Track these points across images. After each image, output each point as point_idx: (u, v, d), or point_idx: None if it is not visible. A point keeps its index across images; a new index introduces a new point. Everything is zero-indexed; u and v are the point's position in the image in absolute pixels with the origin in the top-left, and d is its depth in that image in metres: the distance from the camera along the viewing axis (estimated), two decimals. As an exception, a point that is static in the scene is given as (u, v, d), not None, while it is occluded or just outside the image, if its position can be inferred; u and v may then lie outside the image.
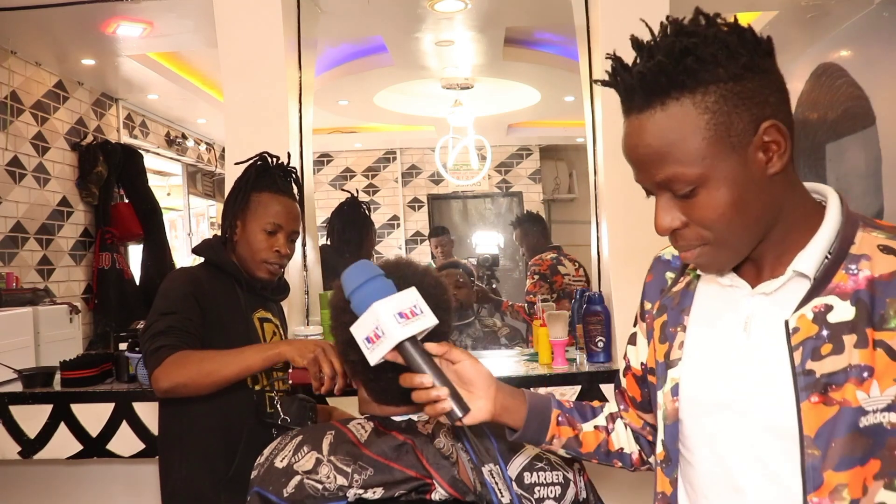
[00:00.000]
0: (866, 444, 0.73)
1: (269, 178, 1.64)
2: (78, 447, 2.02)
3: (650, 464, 1.05)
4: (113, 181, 4.29)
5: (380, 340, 0.84)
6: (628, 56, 0.81)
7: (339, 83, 4.52)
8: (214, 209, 6.58)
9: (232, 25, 2.34)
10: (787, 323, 0.78)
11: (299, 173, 2.37)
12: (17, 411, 2.03)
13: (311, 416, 1.49)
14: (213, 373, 1.39)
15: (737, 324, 0.83)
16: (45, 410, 2.02)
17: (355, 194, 3.26)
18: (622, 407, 1.07)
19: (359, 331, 0.87)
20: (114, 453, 2.04)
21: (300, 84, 2.48)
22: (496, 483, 1.07)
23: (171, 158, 5.66)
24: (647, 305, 0.98)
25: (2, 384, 2.19)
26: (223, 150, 5.74)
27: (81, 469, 2.21)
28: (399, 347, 0.85)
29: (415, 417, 1.12)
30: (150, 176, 4.72)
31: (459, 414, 0.85)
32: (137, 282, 4.40)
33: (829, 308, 0.76)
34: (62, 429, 2.01)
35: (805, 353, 0.76)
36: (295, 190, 1.71)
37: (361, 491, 1.04)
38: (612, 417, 1.07)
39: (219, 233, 1.70)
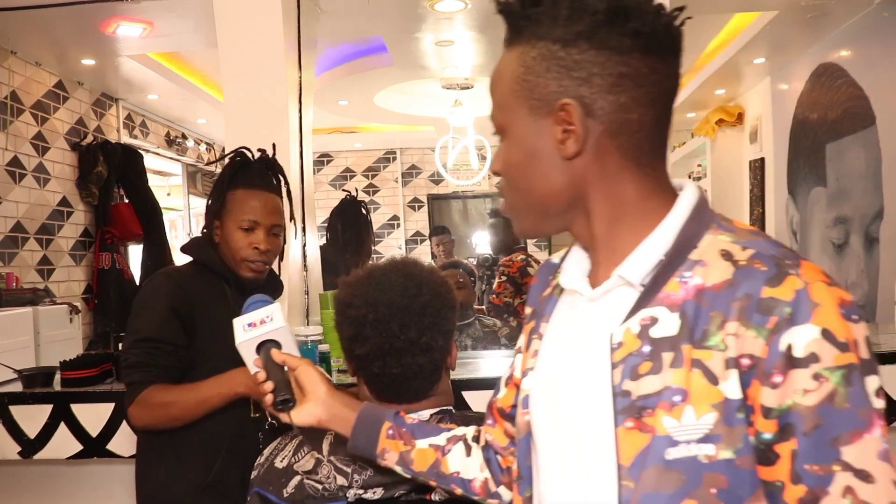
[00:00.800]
0: (676, 480, 0.62)
1: (244, 174, 1.58)
2: (78, 447, 2.02)
3: (499, 496, 0.95)
4: (113, 181, 4.29)
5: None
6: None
7: (339, 83, 4.52)
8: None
9: (232, 25, 2.34)
10: (611, 336, 0.68)
11: (300, 174, 2.37)
12: (17, 411, 2.03)
13: None
14: (179, 419, 1.43)
15: (574, 334, 0.74)
16: (45, 410, 2.02)
17: (354, 194, 3.27)
18: (490, 422, 0.95)
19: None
20: (114, 453, 2.03)
21: (300, 84, 2.47)
22: (496, 483, 1.07)
23: (171, 158, 5.66)
24: (528, 310, 0.89)
25: (2, 384, 2.19)
26: (223, 150, 5.74)
27: (81, 469, 2.21)
28: (254, 348, 1.03)
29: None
30: (150, 176, 4.73)
31: (280, 410, 0.97)
32: (137, 282, 4.40)
33: (654, 321, 0.66)
34: (62, 429, 2.01)
35: (624, 371, 0.66)
36: (278, 182, 1.65)
37: (361, 491, 1.04)
38: (454, 439, 0.98)
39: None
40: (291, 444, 1.12)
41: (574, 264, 0.78)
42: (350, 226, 3.23)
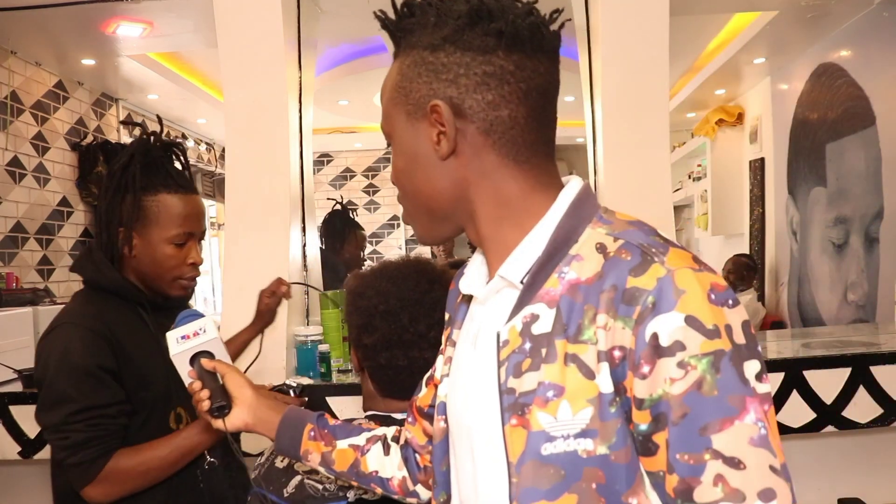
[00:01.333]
0: (554, 475, 0.62)
1: (158, 169, 1.31)
2: (78, 447, 2.02)
3: (417, 495, 0.97)
4: (113, 181, 4.29)
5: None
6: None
7: (339, 83, 4.52)
8: (214, 209, 6.58)
9: (232, 25, 2.34)
10: (498, 335, 0.69)
11: (300, 175, 2.36)
12: (17, 411, 2.03)
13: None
14: (161, 478, 1.24)
15: (472, 337, 0.75)
16: (45, 410, 2.02)
17: (340, 201, 3.42)
18: (409, 420, 0.97)
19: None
20: (114, 453, 2.03)
21: (300, 84, 2.47)
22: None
23: (171, 158, 5.65)
24: (446, 317, 0.89)
25: (2, 384, 2.19)
26: (223, 150, 5.74)
27: (81, 469, 2.21)
28: (188, 360, 1.07)
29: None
30: (150, 176, 4.71)
31: (215, 412, 1.00)
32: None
33: (535, 318, 0.66)
34: (62, 429, 2.01)
35: (508, 369, 0.67)
36: (191, 175, 1.39)
37: (362, 492, 1.04)
38: (374, 439, 0.99)
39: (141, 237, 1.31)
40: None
41: (475, 268, 0.78)
42: (335, 236, 3.36)
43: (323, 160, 7.33)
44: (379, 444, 0.99)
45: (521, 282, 0.69)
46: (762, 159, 4.93)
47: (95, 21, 3.20)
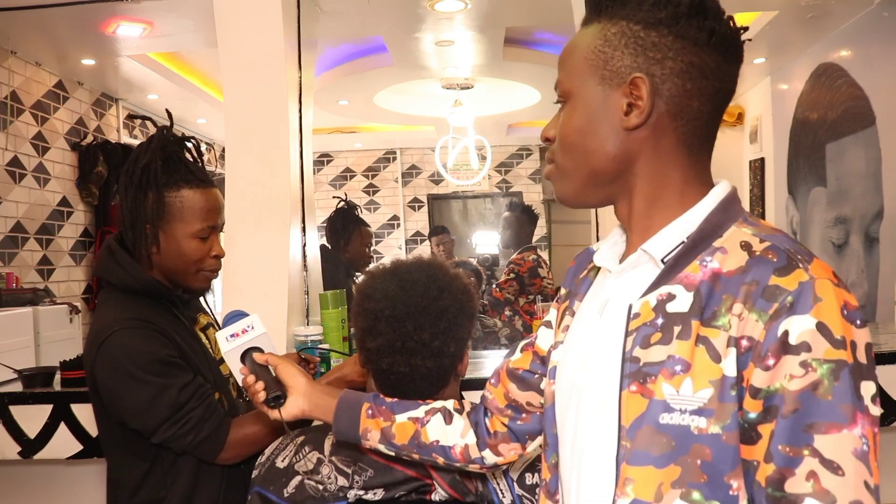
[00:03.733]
0: (665, 444, 0.66)
1: (177, 164, 1.33)
2: (78, 447, 2.02)
3: (481, 461, 0.99)
4: (113, 181, 4.29)
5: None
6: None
7: (339, 83, 4.52)
8: (214, 209, 6.58)
9: (232, 25, 2.34)
10: (630, 307, 0.73)
11: (300, 175, 2.36)
12: (17, 411, 2.03)
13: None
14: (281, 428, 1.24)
15: (599, 307, 0.79)
16: (45, 410, 2.02)
17: (345, 199, 3.40)
18: (493, 381, 1.00)
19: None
20: (114, 453, 2.04)
21: (300, 84, 2.47)
22: (497, 483, 1.07)
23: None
24: (562, 291, 0.94)
25: (2, 384, 2.19)
26: (223, 150, 5.74)
27: (81, 469, 2.21)
28: (239, 356, 1.10)
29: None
30: (150, 176, 4.72)
31: (272, 403, 1.03)
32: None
33: (671, 297, 0.70)
34: (62, 429, 2.01)
35: (636, 339, 0.71)
36: (203, 167, 1.41)
37: (362, 492, 1.04)
38: (433, 411, 1.00)
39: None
40: (293, 443, 1.13)
41: (608, 247, 0.82)
42: (339, 233, 3.36)
43: (323, 160, 7.33)
44: (439, 415, 1.00)
45: (663, 261, 0.73)
46: (762, 159, 4.94)
47: (95, 21, 3.20)
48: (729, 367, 0.65)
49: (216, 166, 6.33)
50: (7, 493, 2.25)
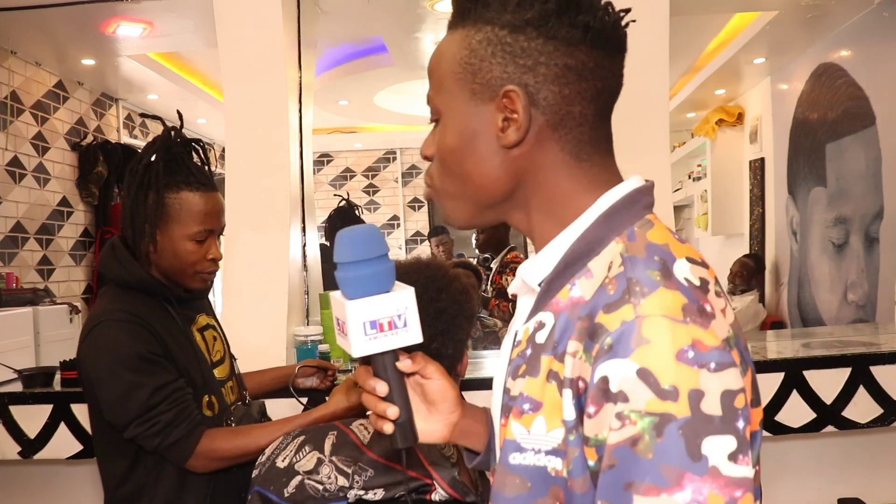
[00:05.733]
0: (519, 485, 0.61)
1: (180, 167, 1.33)
2: (78, 447, 2.02)
3: None
4: (113, 181, 4.30)
5: (343, 335, 0.72)
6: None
7: (339, 83, 4.52)
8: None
9: (232, 25, 2.34)
10: (515, 334, 0.68)
11: (300, 175, 2.36)
12: (17, 411, 2.03)
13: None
14: (258, 452, 1.23)
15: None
16: (45, 410, 2.02)
17: (346, 198, 3.38)
18: None
19: (333, 306, 0.74)
20: (114, 453, 2.04)
21: (300, 84, 2.47)
22: (496, 483, 1.07)
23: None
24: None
25: (2, 384, 2.19)
26: (223, 150, 5.73)
27: (81, 469, 2.21)
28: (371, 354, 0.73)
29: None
30: (150, 176, 4.72)
31: (400, 444, 0.74)
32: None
33: (541, 325, 0.64)
34: (62, 429, 2.01)
35: (510, 370, 0.66)
36: (212, 173, 1.42)
37: (362, 492, 1.04)
38: None
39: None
40: (294, 443, 1.12)
41: (532, 260, 0.76)
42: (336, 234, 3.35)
43: (323, 160, 7.33)
44: None
45: (539, 285, 0.67)
46: (762, 159, 4.94)
47: (95, 21, 3.20)
48: (568, 409, 0.58)
49: (216, 166, 6.33)
50: (7, 493, 2.25)
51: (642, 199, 0.67)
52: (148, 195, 1.30)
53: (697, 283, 0.59)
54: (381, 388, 0.73)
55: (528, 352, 0.64)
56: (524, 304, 0.70)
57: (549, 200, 0.68)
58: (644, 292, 0.56)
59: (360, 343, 0.69)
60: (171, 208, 1.31)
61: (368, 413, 0.76)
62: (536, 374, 0.62)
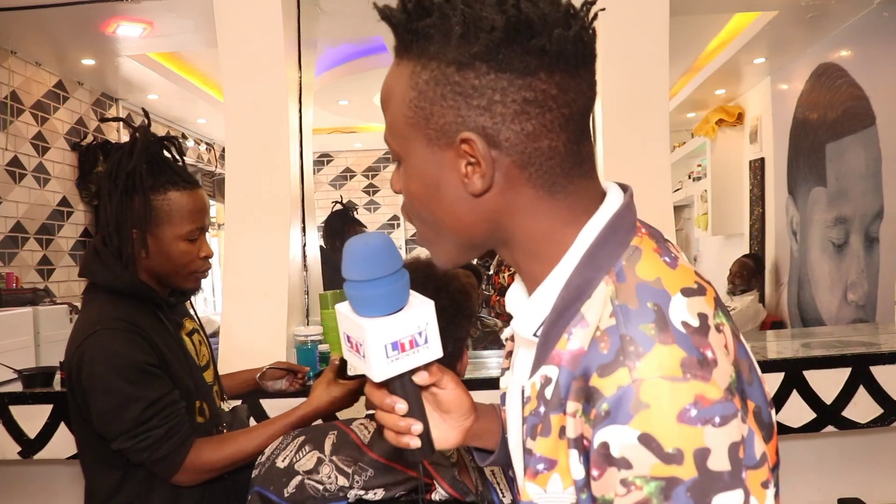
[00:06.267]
0: None
1: (162, 167, 1.31)
2: (78, 447, 2.02)
3: None
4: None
5: (360, 356, 0.67)
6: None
7: (339, 83, 4.52)
8: (214, 209, 6.58)
9: (232, 25, 2.34)
10: (522, 390, 0.64)
11: (300, 176, 2.36)
12: (17, 411, 2.03)
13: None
14: (246, 458, 1.27)
15: (512, 371, 0.71)
16: (45, 410, 2.02)
17: (340, 201, 3.42)
18: None
19: (343, 322, 0.69)
20: (114, 453, 2.04)
21: (300, 84, 2.47)
22: (498, 483, 1.07)
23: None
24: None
25: (2, 384, 2.19)
26: (223, 150, 5.73)
27: (81, 469, 2.21)
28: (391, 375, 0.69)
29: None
30: (150, 176, 4.72)
31: (419, 458, 0.72)
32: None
33: (548, 381, 0.60)
34: (62, 429, 2.01)
35: (527, 428, 0.62)
36: (184, 167, 1.38)
37: (362, 492, 1.04)
38: None
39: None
40: (294, 443, 1.12)
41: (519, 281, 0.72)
42: (337, 235, 3.39)
43: (323, 160, 7.33)
44: None
45: (535, 335, 0.63)
46: (762, 159, 4.93)
47: (95, 21, 3.20)
48: (575, 468, 0.57)
49: (216, 166, 6.33)
50: (7, 493, 2.25)
51: (624, 223, 0.62)
52: (133, 199, 1.27)
53: (696, 323, 0.55)
54: (402, 406, 0.70)
55: (542, 410, 0.61)
56: (523, 356, 0.67)
57: (529, 239, 0.63)
58: (639, 353, 0.53)
59: (381, 367, 0.64)
60: (161, 210, 1.29)
61: (372, 415, 0.74)
62: (548, 433, 0.59)
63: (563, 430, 0.58)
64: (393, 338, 0.64)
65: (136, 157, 1.27)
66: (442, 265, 0.69)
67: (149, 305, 1.33)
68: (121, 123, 4.66)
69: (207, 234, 1.40)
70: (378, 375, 0.65)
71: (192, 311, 1.50)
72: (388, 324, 0.64)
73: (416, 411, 0.71)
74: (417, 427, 0.70)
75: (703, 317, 0.56)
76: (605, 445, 0.53)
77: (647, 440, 0.51)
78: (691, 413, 0.51)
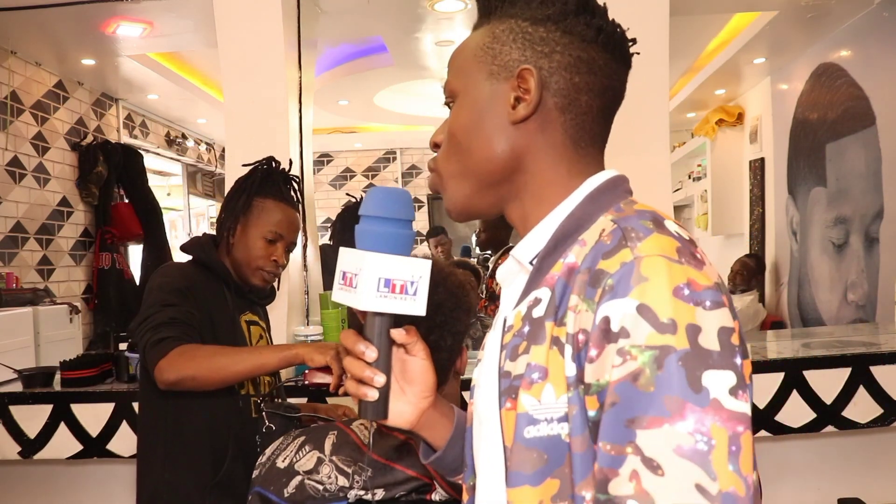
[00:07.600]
0: (537, 459, 0.61)
1: (273, 183, 1.59)
2: (78, 447, 2.02)
3: None
4: (113, 181, 4.30)
5: (350, 289, 0.70)
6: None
7: (339, 83, 4.52)
8: (214, 209, 6.58)
9: (232, 25, 2.34)
10: (504, 320, 0.69)
11: (300, 176, 2.36)
12: (17, 411, 2.03)
13: (295, 425, 1.47)
14: (224, 368, 1.32)
15: (496, 321, 0.74)
16: (45, 410, 2.02)
17: (357, 198, 3.37)
18: None
19: (343, 259, 0.73)
20: (114, 453, 2.03)
21: (300, 84, 2.48)
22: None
23: (171, 158, 5.66)
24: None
25: (2, 384, 2.19)
26: (223, 150, 5.74)
27: (81, 469, 2.21)
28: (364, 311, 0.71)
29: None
30: (150, 176, 4.73)
31: (370, 415, 0.72)
32: (137, 282, 4.40)
33: (537, 302, 0.65)
34: (62, 429, 2.01)
35: (507, 352, 0.66)
36: (296, 199, 1.66)
37: (362, 492, 1.04)
38: None
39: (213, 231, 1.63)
40: (294, 443, 1.13)
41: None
42: (349, 229, 3.34)
43: (323, 160, 7.33)
44: None
45: (531, 263, 0.69)
46: (762, 159, 4.94)
47: (95, 21, 3.20)
48: (569, 365, 0.59)
49: (216, 166, 6.33)
50: (7, 493, 2.25)
51: (623, 184, 0.71)
52: (241, 197, 1.57)
53: (687, 238, 0.62)
54: (371, 353, 0.71)
55: (527, 329, 0.65)
56: (512, 291, 0.72)
57: (546, 183, 0.71)
58: (640, 237, 0.59)
59: (369, 297, 0.67)
60: (255, 209, 1.56)
61: (346, 378, 0.74)
62: (542, 341, 0.62)
63: (554, 340, 0.61)
64: (388, 274, 0.68)
65: (260, 174, 1.59)
66: (453, 206, 0.75)
67: (219, 282, 1.54)
68: (120, 123, 4.66)
69: (293, 251, 1.63)
70: (364, 304, 0.67)
71: (261, 313, 1.69)
72: (387, 260, 0.68)
73: (383, 364, 0.72)
74: (380, 379, 0.71)
75: (692, 241, 0.62)
76: (606, 320, 0.56)
77: (644, 310, 0.54)
78: (684, 292, 0.55)
